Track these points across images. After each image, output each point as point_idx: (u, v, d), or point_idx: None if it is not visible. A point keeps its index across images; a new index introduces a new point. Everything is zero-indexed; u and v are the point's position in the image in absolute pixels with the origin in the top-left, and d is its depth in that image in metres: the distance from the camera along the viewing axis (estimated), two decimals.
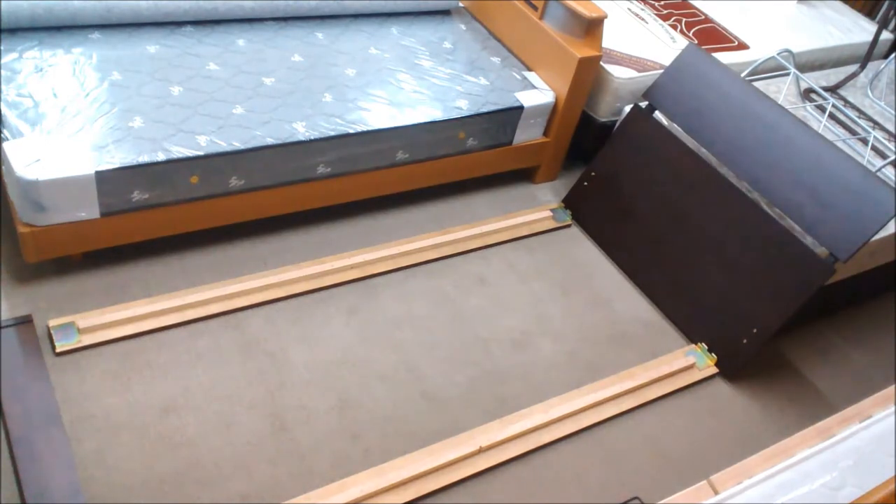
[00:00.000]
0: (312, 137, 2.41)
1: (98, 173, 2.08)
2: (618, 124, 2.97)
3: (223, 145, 2.27)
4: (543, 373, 2.41)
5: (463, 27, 3.17)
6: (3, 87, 2.21)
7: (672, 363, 2.52)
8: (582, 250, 2.90)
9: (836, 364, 2.77)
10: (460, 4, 3.27)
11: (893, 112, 3.31)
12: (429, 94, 2.73)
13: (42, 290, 2.22)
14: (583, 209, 3.00)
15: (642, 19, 3.43)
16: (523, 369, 2.40)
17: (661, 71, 2.90)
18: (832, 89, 3.34)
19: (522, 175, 3.15)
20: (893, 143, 3.11)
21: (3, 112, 2.14)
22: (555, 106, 2.93)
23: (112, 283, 2.29)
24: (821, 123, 3.03)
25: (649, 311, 2.73)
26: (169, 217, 2.30)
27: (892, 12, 3.97)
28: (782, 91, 3.14)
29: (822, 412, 2.37)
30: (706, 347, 2.60)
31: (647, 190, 2.82)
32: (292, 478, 1.96)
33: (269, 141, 2.34)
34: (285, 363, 2.21)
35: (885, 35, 3.90)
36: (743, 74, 3.12)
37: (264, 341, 2.25)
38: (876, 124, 3.21)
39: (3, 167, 2.09)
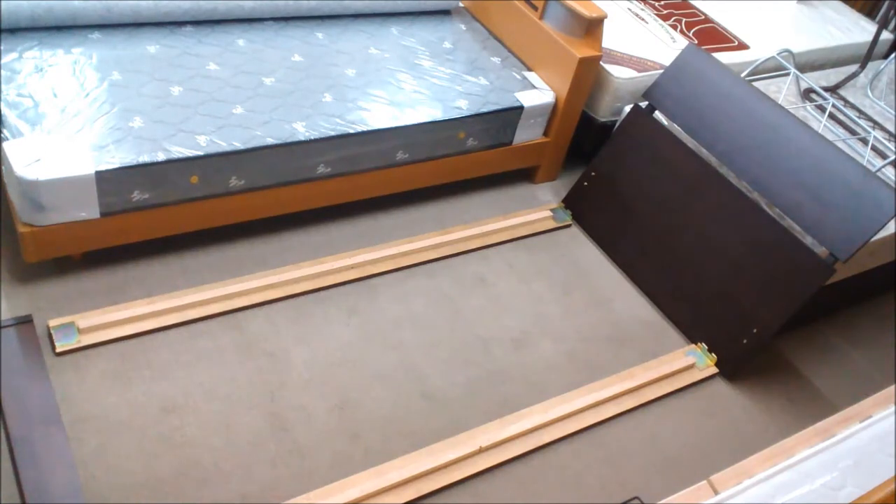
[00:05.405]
0: (312, 137, 2.41)
1: (98, 173, 2.08)
2: (618, 124, 2.97)
3: (223, 145, 2.27)
4: (543, 373, 2.41)
5: (463, 27, 3.17)
6: (3, 87, 2.21)
7: (672, 363, 2.52)
8: (582, 250, 2.90)
9: (836, 364, 2.77)
10: (460, 4, 3.27)
11: (893, 112, 3.31)
12: (429, 94, 2.73)
13: (42, 290, 2.22)
14: (583, 209, 3.00)
15: (642, 19, 3.43)
16: (523, 369, 2.40)
17: (661, 71, 2.90)
18: (832, 89, 3.34)
19: (522, 175, 3.15)
20: (893, 143, 3.11)
21: (3, 112, 2.14)
22: (555, 106, 2.93)
23: (112, 283, 2.29)
24: (821, 123, 3.02)
25: (649, 311, 2.73)
26: (169, 217, 2.30)
27: (892, 12, 3.97)
28: (782, 91, 3.14)
29: (822, 412, 2.36)
30: (706, 347, 2.60)
31: (647, 190, 2.82)
32: (292, 478, 1.96)
33: (269, 141, 2.34)
34: (285, 363, 2.21)
35: (885, 35, 3.90)
36: (743, 74, 3.12)
37: (264, 341, 2.25)
38: (876, 124, 3.21)
39: (3, 167, 2.09)
